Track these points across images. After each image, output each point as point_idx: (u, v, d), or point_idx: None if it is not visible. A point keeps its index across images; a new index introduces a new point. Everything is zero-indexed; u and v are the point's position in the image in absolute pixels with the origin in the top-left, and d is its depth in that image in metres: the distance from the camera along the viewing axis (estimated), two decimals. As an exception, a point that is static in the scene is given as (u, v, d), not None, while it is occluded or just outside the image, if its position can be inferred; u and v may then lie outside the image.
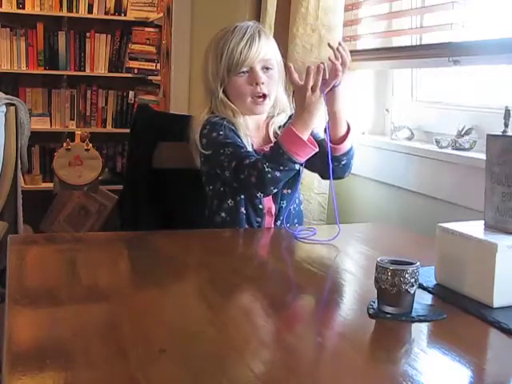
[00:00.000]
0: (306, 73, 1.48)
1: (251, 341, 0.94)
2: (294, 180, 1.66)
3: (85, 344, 0.88)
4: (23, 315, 0.99)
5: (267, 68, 1.64)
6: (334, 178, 1.58)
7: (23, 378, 0.78)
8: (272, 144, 1.64)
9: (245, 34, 1.62)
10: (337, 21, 2.08)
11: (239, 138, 1.62)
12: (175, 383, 0.80)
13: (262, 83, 1.62)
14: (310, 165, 1.61)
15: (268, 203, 1.66)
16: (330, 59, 1.49)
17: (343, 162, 1.61)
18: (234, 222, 1.65)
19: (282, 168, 1.50)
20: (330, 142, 1.55)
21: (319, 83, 1.47)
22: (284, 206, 1.68)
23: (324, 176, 1.68)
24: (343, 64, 1.50)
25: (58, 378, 0.79)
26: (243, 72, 1.62)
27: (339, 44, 1.52)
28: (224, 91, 1.66)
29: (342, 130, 1.58)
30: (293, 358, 0.88)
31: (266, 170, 1.49)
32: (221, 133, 1.60)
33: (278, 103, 1.70)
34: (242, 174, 1.53)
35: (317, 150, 1.51)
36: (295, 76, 1.50)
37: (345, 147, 1.59)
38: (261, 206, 1.65)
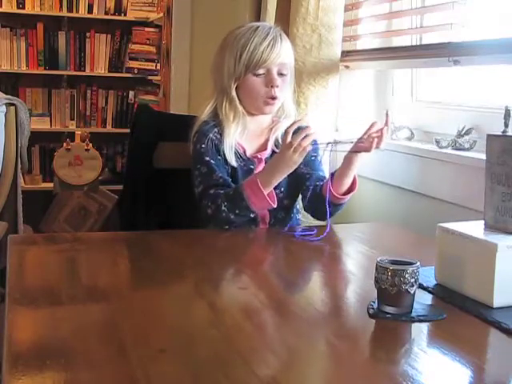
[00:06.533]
0: (286, 132, 1.51)
1: (251, 341, 0.94)
2: (294, 192, 1.69)
3: (85, 344, 0.88)
4: (23, 315, 0.99)
5: (282, 73, 1.64)
6: (315, 217, 1.68)
7: (23, 378, 0.78)
8: (268, 150, 1.67)
9: (267, 35, 1.62)
10: (337, 21, 2.08)
11: (220, 153, 1.63)
12: (175, 383, 0.80)
13: (277, 86, 1.63)
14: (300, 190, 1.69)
15: (262, 211, 1.66)
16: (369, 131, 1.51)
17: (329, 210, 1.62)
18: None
19: (237, 212, 1.55)
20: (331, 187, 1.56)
21: (305, 145, 1.48)
22: (282, 216, 1.69)
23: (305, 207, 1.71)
24: (380, 138, 1.50)
25: (58, 378, 0.79)
26: (260, 73, 1.63)
27: (386, 121, 1.52)
28: (235, 89, 1.66)
29: (348, 182, 1.58)
30: (293, 358, 0.88)
31: (223, 208, 1.55)
32: (203, 146, 1.63)
33: (284, 108, 1.72)
34: (204, 200, 1.59)
35: (274, 206, 1.55)
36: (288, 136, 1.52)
37: (341, 200, 1.60)
38: (253, 215, 1.66)
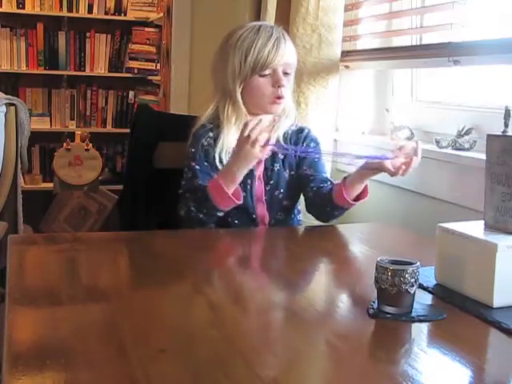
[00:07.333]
0: (245, 125, 1.49)
1: (251, 341, 0.94)
2: (294, 193, 1.69)
3: (85, 344, 0.88)
4: (23, 315, 0.99)
5: (286, 73, 1.64)
6: (318, 219, 1.68)
7: (23, 378, 0.78)
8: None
9: (271, 35, 1.61)
10: (337, 21, 2.08)
11: (210, 159, 1.63)
12: (175, 383, 0.80)
13: (283, 86, 1.63)
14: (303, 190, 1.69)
15: (261, 212, 1.66)
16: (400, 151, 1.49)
17: (336, 213, 1.62)
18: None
19: (205, 211, 1.56)
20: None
21: (261, 138, 1.47)
22: (282, 217, 1.69)
23: (309, 209, 1.71)
24: (408, 166, 1.48)
25: (58, 378, 0.79)
26: (266, 73, 1.62)
27: (416, 150, 1.48)
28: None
29: (359, 188, 1.58)
30: (293, 359, 0.88)
31: (192, 209, 1.57)
32: (193, 150, 1.64)
33: (284, 107, 1.71)
34: (180, 201, 1.61)
35: (239, 203, 1.55)
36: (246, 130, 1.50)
37: (351, 206, 1.59)
38: (254, 216, 1.65)
